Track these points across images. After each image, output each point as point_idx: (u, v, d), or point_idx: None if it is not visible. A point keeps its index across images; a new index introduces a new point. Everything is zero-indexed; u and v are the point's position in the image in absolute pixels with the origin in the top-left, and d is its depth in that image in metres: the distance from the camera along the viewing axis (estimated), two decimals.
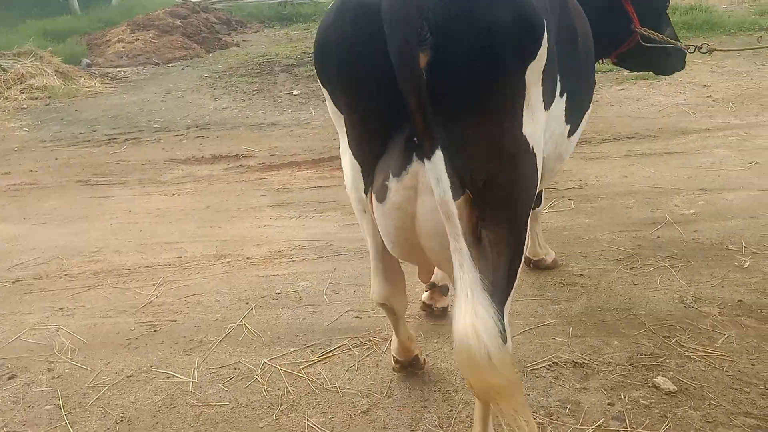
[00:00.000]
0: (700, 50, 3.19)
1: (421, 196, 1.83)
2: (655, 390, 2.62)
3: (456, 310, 1.70)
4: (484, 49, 1.71)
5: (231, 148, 6.26)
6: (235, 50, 11.70)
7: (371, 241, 2.25)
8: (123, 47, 11.73)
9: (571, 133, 2.48)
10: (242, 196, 5.03)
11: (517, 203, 1.94)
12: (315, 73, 2.09)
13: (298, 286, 3.65)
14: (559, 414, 2.54)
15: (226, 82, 9.08)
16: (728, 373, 2.69)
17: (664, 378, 2.66)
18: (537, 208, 3.51)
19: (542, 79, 1.90)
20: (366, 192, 2.00)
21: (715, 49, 3.20)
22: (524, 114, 1.86)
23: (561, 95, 2.20)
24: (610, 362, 2.82)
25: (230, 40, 12.63)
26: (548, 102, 2.02)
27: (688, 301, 3.22)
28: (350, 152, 2.02)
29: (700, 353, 2.82)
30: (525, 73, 1.81)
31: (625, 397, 2.60)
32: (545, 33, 1.82)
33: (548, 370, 2.80)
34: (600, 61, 3.30)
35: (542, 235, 3.64)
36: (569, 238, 3.96)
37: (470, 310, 1.67)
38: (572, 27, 2.32)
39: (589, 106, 2.72)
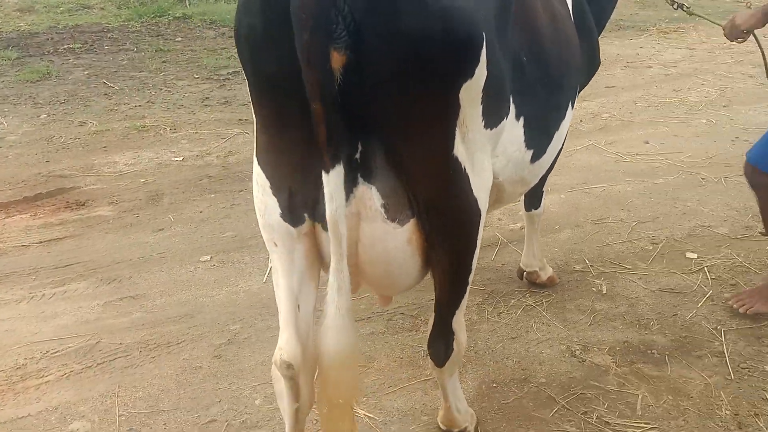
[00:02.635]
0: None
1: (364, 222, 1.66)
2: None
3: (323, 330, 1.61)
4: (408, 59, 1.48)
5: None
6: None
7: (284, 281, 1.78)
8: None
9: (535, 159, 2.15)
10: None
11: (458, 227, 1.79)
12: None
13: (72, 431, 2.39)
14: None
15: None
16: None
17: None
18: (535, 211, 3.06)
19: (483, 98, 1.66)
20: (298, 221, 1.70)
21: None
22: (456, 134, 1.66)
23: (517, 118, 1.94)
24: None
25: None
26: (493, 122, 1.76)
27: (578, 353, 2.78)
28: (257, 167, 1.74)
29: (628, 430, 2.36)
30: (459, 93, 1.59)
31: None
32: (484, 48, 1.57)
33: None
34: None
35: (539, 243, 3.14)
36: None
37: (338, 332, 1.60)
38: (536, 40, 1.95)
39: (559, 127, 2.26)
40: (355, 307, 3.02)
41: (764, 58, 3.03)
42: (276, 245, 1.76)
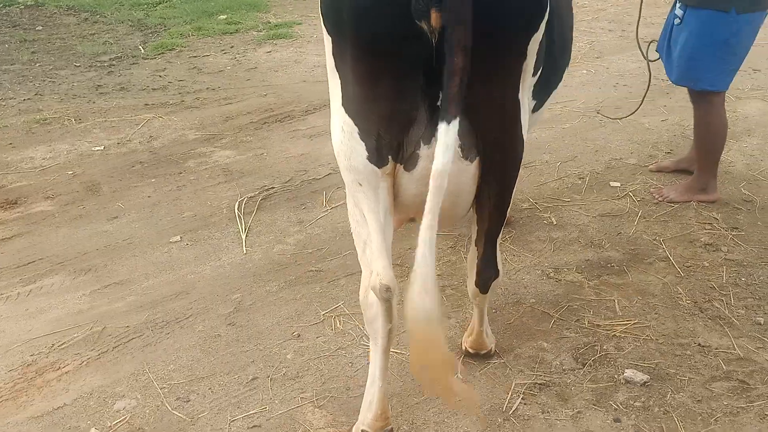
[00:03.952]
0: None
1: None
2: (632, 387, 2.49)
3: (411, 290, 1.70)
4: (500, 17, 1.72)
5: None
6: None
7: (372, 216, 1.95)
8: None
9: (536, 109, 2.44)
10: None
11: (512, 162, 2.04)
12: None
13: (119, 412, 2.41)
14: None
15: None
16: (660, 342, 2.71)
17: (631, 371, 2.54)
18: None
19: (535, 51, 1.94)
20: (382, 163, 1.87)
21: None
22: (521, 80, 1.92)
23: (536, 72, 2.15)
24: (564, 370, 2.58)
25: None
26: (536, 70, 2.05)
27: (552, 275, 3.16)
28: (345, 115, 1.89)
29: (618, 328, 2.78)
30: (529, 43, 1.86)
31: (620, 406, 2.40)
32: (548, 7, 1.88)
33: (526, 404, 2.41)
34: None
35: None
36: None
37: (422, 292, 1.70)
38: (559, 16, 2.28)
39: (554, 90, 2.59)
40: (344, 262, 3.23)
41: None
42: (361, 185, 1.94)
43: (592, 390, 2.48)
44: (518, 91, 1.92)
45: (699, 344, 2.68)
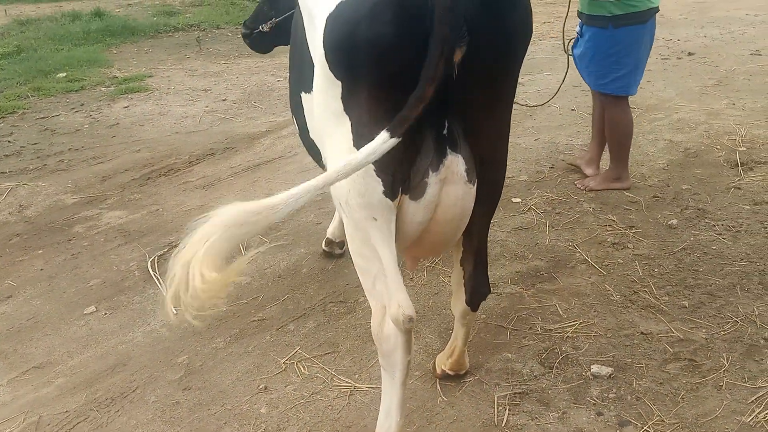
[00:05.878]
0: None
1: (448, 186, 1.89)
2: (601, 380, 2.63)
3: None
4: (502, 49, 1.82)
5: None
6: None
7: (386, 249, 1.93)
8: None
9: None
10: None
11: (501, 181, 2.15)
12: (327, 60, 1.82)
13: None
14: None
15: None
16: (608, 336, 2.89)
17: (596, 366, 2.69)
18: None
19: None
20: (395, 195, 1.88)
21: None
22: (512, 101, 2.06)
23: None
24: (536, 376, 2.68)
25: None
26: None
27: (492, 290, 3.23)
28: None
29: (569, 330, 2.94)
30: (521, 66, 1.99)
31: (597, 400, 2.53)
32: None
33: (514, 415, 2.46)
34: None
35: None
36: (330, 271, 3.44)
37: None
38: None
39: None
40: (286, 306, 3.14)
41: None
42: (376, 219, 1.90)
43: (568, 390, 2.59)
44: (511, 112, 2.02)
45: (641, 332, 2.90)
